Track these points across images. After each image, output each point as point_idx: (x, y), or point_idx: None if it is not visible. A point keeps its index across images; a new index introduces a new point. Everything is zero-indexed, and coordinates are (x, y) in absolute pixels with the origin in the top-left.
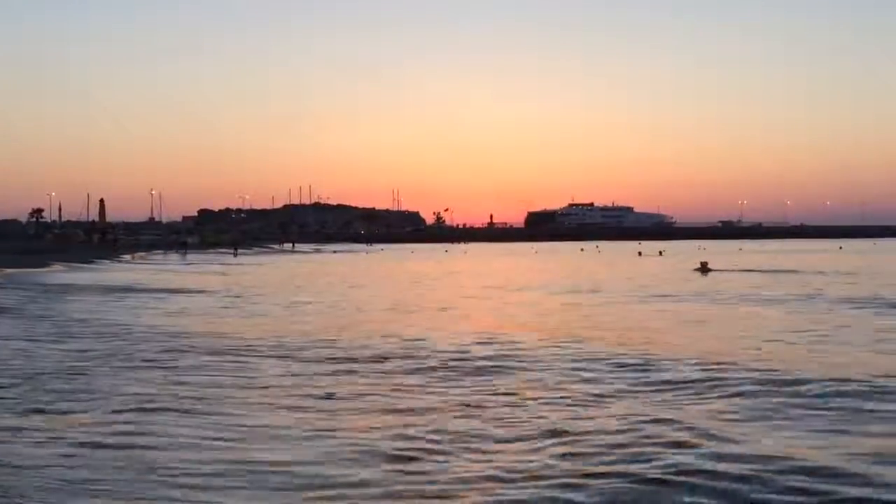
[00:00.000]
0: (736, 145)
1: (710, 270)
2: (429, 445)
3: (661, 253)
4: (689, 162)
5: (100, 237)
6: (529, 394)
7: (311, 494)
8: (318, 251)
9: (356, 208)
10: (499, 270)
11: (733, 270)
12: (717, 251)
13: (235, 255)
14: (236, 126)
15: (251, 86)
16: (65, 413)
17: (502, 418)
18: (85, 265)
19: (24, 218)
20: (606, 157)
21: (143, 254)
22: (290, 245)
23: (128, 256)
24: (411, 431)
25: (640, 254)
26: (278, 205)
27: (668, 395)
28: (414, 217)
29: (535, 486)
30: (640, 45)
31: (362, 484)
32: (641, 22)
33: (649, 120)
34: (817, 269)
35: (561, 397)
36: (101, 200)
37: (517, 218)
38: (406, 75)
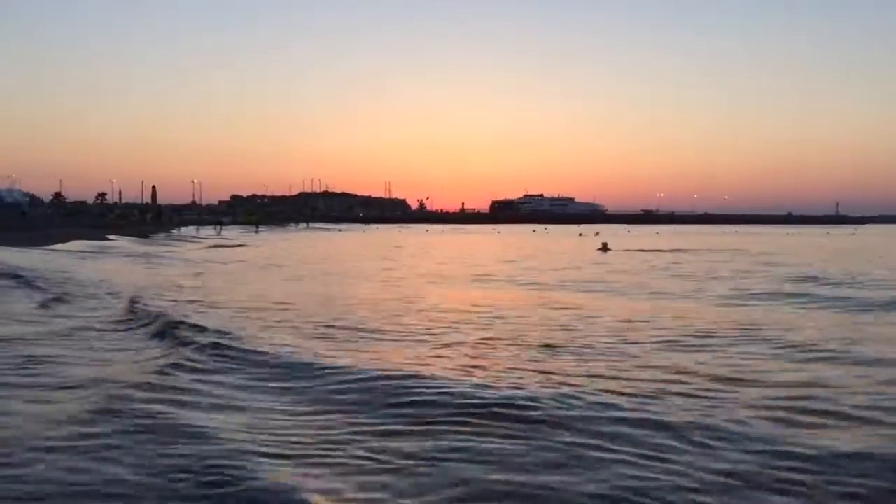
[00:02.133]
0: (656, 149)
1: (608, 250)
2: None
3: (597, 234)
4: (620, 162)
5: (152, 216)
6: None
7: None
8: (316, 229)
9: (357, 196)
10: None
11: (628, 250)
12: (638, 233)
13: (257, 231)
14: (262, 128)
15: (274, 96)
16: None
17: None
18: (138, 238)
19: (90, 200)
20: (554, 157)
21: (185, 228)
22: (305, 224)
23: (175, 231)
24: None
25: (580, 234)
26: (295, 192)
27: None
28: (402, 203)
29: None
30: (579, 63)
31: None
32: (581, 43)
33: (588, 126)
34: (703, 247)
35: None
36: (154, 187)
37: (484, 205)
38: (398, 89)
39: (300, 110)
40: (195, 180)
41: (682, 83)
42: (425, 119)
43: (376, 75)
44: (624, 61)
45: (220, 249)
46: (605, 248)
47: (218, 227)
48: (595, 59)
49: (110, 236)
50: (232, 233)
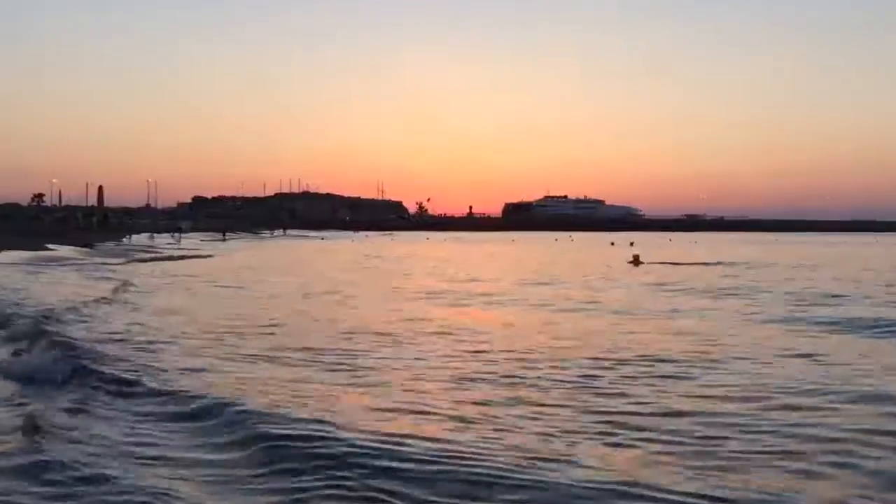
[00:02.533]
0: (699, 143)
1: (640, 263)
2: None
3: (632, 243)
4: (659, 159)
5: (98, 221)
6: None
7: None
8: (295, 237)
9: (342, 197)
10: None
11: (665, 263)
12: (681, 243)
13: (224, 239)
14: (229, 119)
15: (244, 81)
16: None
17: None
18: (81, 248)
19: (25, 202)
20: (580, 153)
21: (137, 236)
22: (282, 231)
23: (126, 239)
24: None
25: (612, 243)
26: (269, 193)
27: None
28: (397, 206)
29: None
30: (611, 50)
31: None
32: (610, 27)
33: (620, 118)
34: (745, 260)
35: None
36: (100, 187)
37: (495, 209)
38: (392, 72)
39: (277, 98)
40: (150, 180)
41: (722, 67)
42: (425, 108)
43: (368, 57)
44: (656, 51)
45: (180, 262)
46: (636, 261)
47: (176, 234)
48: (622, 37)
49: (50, 245)
50: (193, 241)
